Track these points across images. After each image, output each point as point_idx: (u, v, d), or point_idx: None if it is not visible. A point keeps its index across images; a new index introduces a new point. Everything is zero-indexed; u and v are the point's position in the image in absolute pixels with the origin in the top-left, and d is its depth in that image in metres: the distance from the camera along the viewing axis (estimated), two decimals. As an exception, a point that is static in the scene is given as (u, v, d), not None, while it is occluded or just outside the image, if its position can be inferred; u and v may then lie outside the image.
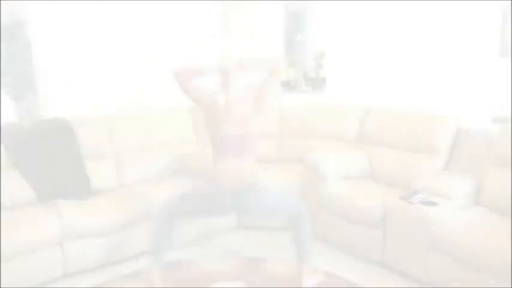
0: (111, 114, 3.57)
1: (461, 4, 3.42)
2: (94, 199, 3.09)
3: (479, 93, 3.41)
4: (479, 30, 3.38)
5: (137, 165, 3.54)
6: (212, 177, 2.48)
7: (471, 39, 3.42)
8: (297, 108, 4.16)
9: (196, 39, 4.36)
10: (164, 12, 4.16)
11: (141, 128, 3.64)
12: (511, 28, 3.24)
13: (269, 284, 2.65)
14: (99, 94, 3.81)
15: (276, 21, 4.54)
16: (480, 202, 2.81)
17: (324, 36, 4.36)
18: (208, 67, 2.52)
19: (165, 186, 3.34)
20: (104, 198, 3.11)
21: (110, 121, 3.52)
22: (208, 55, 4.31)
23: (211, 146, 2.54)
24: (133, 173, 3.50)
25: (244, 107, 2.48)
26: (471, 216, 2.64)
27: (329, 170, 3.26)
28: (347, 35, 4.15)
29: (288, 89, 4.64)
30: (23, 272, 2.56)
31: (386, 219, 2.83)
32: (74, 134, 3.30)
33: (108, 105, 3.72)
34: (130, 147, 3.56)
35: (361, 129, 3.72)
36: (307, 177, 3.42)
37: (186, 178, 3.48)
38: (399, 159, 3.29)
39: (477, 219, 2.60)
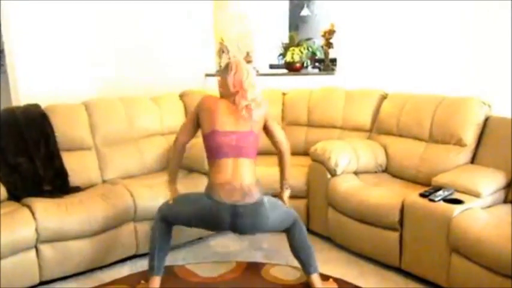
0: (90, 101, 3.55)
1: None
2: (72, 196, 3.08)
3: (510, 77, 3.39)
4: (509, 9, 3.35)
5: (121, 158, 3.53)
6: (208, 190, 2.52)
7: (502, 19, 3.39)
8: (302, 92, 4.14)
9: (184, 21, 4.37)
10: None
11: (125, 116, 3.63)
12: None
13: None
14: (77, 78, 3.80)
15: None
16: (511, 200, 2.80)
17: (333, 10, 4.33)
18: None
19: (152, 181, 3.34)
20: (84, 196, 3.10)
21: (89, 109, 3.51)
22: (199, 34, 4.33)
23: (206, 151, 2.63)
24: (116, 167, 3.49)
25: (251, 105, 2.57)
26: (500, 215, 2.62)
27: (339, 163, 3.25)
28: (359, 8, 4.11)
29: (293, 71, 4.62)
30: (-7, 280, 2.56)
31: (404, 219, 2.82)
32: (49, 123, 3.27)
33: (87, 90, 3.71)
34: (113, 138, 3.55)
35: (376, 117, 3.71)
36: (314, 170, 3.42)
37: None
38: (419, 151, 3.28)
39: (507, 219, 2.59)
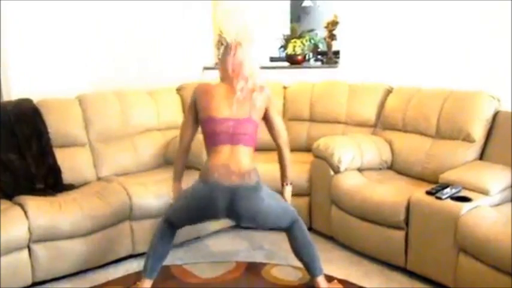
0: (84, 96, 3.55)
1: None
2: (66, 194, 3.08)
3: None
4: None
5: (116, 155, 3.53)
6: (204, 174, 2.51)
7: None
8: (304, 86, 4.13)
9: (182, 12, 4.36)
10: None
11: (120, 111, 3.62)
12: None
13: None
14: (71, 73, 3.79)
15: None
16: (521, 197, 2.80)
17: (336, 1, 4.31)
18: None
19: (149, 179, 3.34)
20: (78, 194, 3.10)
21: (83, 103, 3.50)
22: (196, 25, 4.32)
23: (203, 137, 2.59)
24: (111, 164, 3.49)
25: (249, 91, 2.53)
26: (510, 214, 2.61)
27: (342, 159, 3.24)
28: (364, -1, 4.10)
29: (295, 64, 4.61)
30: (-16, 281, 2.56)
31: (410, 218, 2.82)
32: (41, 119, 3.27)
33: (81, 85, 3.70)
34: (108, 134, 3.55)
35: (381, 112, 3.70)
36: (316, 167, 3.42)
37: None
38: (426, 147, 3.27)
39: (517, 217, 2.59)
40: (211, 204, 2.46)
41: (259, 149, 2.76)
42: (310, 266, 2.63)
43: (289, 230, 2.64)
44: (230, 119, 2.49)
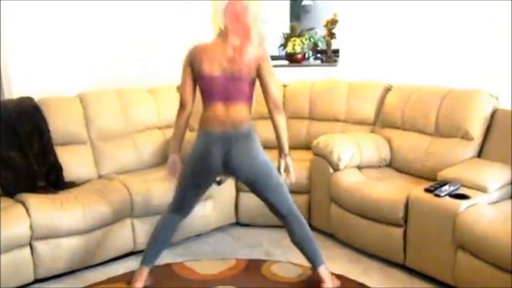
0: (85, 94, 3.54)
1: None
2: (67, 192, 3.07)
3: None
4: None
5: (117, 153, 3.52)
6: (198, 128, 2.50)
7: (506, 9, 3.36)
8: (304, 84, 4.12)
9: (182, 10, 4.34)
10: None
11: (121, 109, 3.61)
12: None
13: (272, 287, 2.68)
14: (71, 71, 3.77)
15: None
16: (519, 195, 2.79)
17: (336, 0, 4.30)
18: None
19: (150, 176, 3.33)
20: (79, 191, 3.09)
21: (84, 101, 3.49)
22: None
23: (200, 94, 2.52)
24: (112, 162, 3.48)
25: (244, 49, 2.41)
26: (508, 211, 2.61)
27: (342, 157, 3.23)
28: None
29: (294, 62, 4.60)
30: (-13, 278, 2.56)
31: (408, 215, 2.81)
32: (42, 117, 3.26)
33: (81, 83, 3.69)
34: (108, 132, 3.54)
35: (380, 110, 3.69)
36: (316, 165, 3.41)
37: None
38: (424, 144, 3.26)
39: (515, 214, 2.58)
40: (207, 155, 2.45)
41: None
42: (310, 258, 2.63)
43: (287, 223, 2.61)
44: (222, 77, 2.42)
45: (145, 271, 2.62)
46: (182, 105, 2.57)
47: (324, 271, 2.62)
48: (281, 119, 2.51)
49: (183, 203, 2.63)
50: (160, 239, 2.64)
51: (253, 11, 2.46)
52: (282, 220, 2.65)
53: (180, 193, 2.61)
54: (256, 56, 2.43)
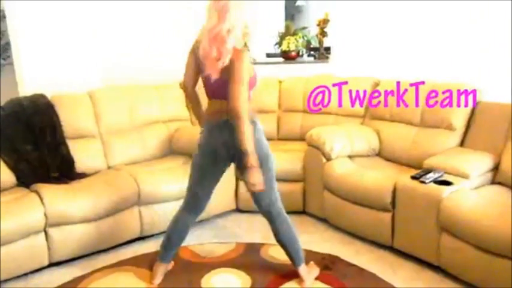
0: (95, 91, 3.54)
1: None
2: (79, 182, 3.09)
3: (499, 64, 3.37)
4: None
5: (125, 146, 3.53)
6: (204, 124, 2.45)
7: (489, 7, 3.37)
8: (298, 80, 4.13)
9: (185, 9, 4.32)
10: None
11: (128, 105, 3.62)
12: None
13: (270, 269, 2.70)
14: (81, 68, 3.77)
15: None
16: (499, 181, 2.81)
17: (328, 0, 4.30)
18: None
19: (155, 167, 3.35)
20: (90, 181, 3.11)
21: (94, 98, 3.49)
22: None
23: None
24: (120, 154, 3.49)
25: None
26: (489, 196, 2.64)
27: (334, 147, 3.26)
28: (353, -2, 4.09)
29: (289, 60, 4.60)
30: (5, 263, 2.57)
31: (396, 201, 2.84)
32: (55, 112, 3.27)
33: (91, 80, 3.69)
34: (117, 126, 3.55)
35: (369, 103, 3.71)
36: (310, 155, 3.43)
37: (178, 158, 3.50)
38: (411, 135, 3.29)
39: (495, 199, 2.61)
40: (210, 143, 2.37)
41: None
42: (292, 257, 2.54)
43: (272, 221, 2.49)
44: (211, 77, 2.29)
45: (163, 267, 2.61)
46: (183, 88, 2.56)
47: (303, 270, 2.54)
48: (240, 125, 2.19)
49: (194, 202, 2.53)
50: (174, 239, 2.57)
51: (234, 13, 2.21)
52: (265, 216, 2.51)
53: (192, 192, 2.52)
54: (231, 59, 2.21)
